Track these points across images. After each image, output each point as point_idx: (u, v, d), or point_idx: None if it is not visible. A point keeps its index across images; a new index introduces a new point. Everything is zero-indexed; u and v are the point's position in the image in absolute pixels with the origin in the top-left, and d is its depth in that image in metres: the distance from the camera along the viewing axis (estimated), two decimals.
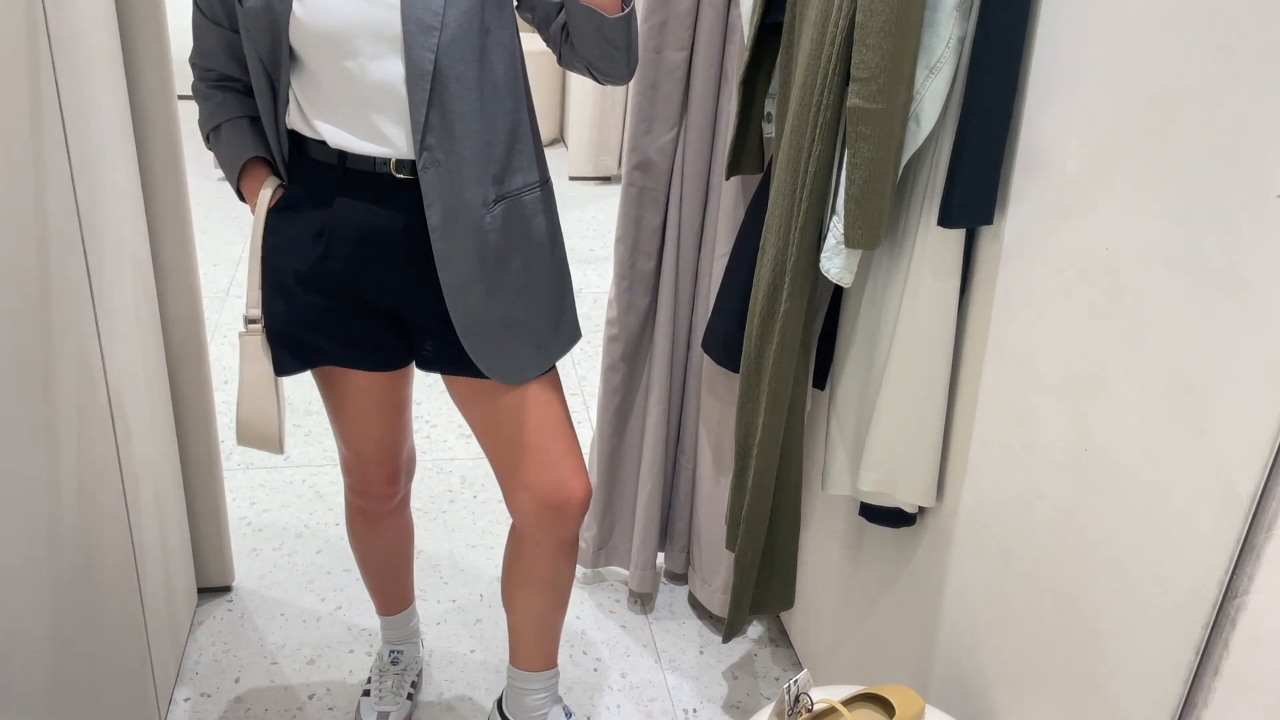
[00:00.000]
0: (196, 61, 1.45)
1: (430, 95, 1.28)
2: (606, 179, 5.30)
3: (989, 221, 1.25)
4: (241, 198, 1.47)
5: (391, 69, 1.29)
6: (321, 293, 1.42)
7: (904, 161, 1.27)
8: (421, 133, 1.30)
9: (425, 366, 1.51)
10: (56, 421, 1.37)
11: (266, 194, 1.40)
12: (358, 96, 1.30)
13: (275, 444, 1.48)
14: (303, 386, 2.86)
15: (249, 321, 1.44)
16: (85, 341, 1.47)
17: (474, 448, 2.79)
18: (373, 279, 1.40)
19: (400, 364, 1.53)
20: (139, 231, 1.75)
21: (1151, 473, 1.00)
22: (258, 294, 1.43)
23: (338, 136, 1.33)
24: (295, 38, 1.29)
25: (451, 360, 1.46)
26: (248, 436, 1.49)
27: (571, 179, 5.26)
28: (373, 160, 1.34)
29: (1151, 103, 0.99)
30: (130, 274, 1.69)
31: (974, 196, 1.24)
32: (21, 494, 1.27)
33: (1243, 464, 0.87)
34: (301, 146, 1.38)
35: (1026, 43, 1.18)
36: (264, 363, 1.44)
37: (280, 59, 1.31)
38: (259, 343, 1.43)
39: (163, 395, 1.88)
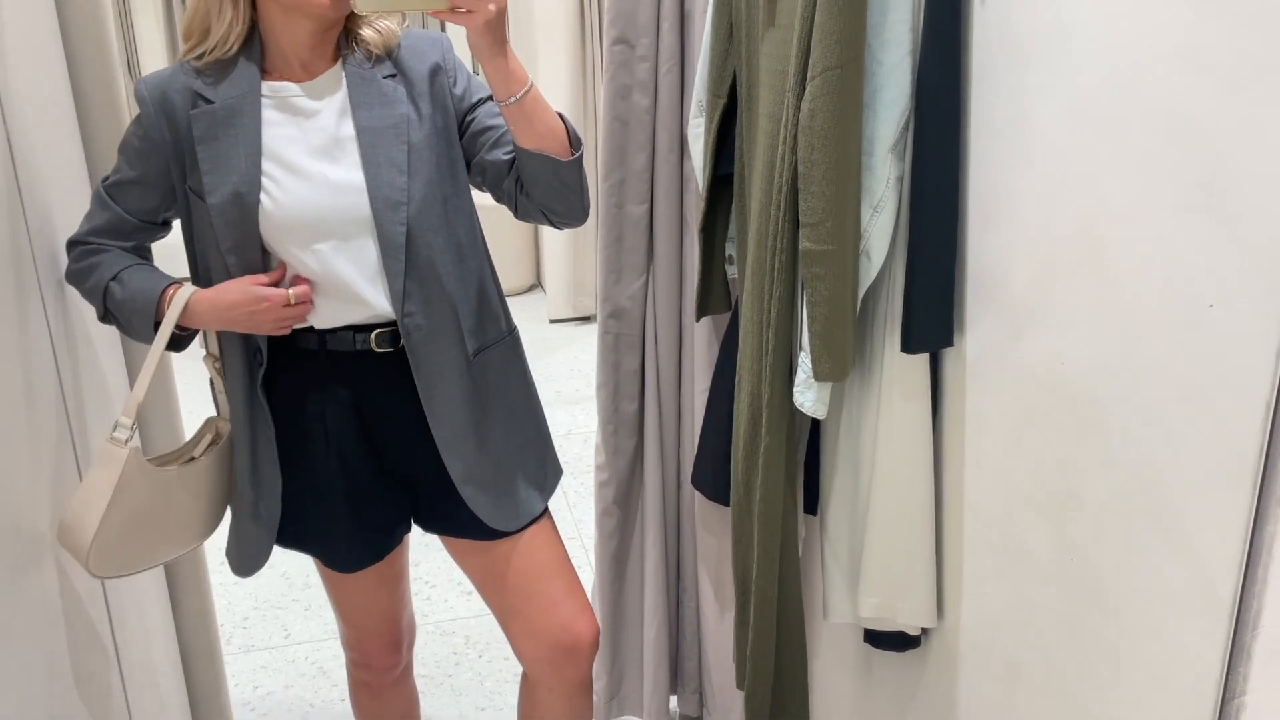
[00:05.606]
0: (82, 238, 1.39)
1: (405, 266, 1.34)
2: (586, 318, 5.40)
3: (949, 343, 1.30)
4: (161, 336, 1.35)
5: (364, 246, 1.34)
6: (338, 474, 1.44)
7: (861, 294, 1.32)
8: (401, 301, 1.35)
9: (427, 526, 1.53)
10: (51, 613, 1.37)
11: (185, 293, 1.34)
12: (332, 275, 1.35)
13: (84, 556, 1.33)
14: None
15: (117, 427, 1.34)
16: None
17: (476, 605, 2.76)
18: (374, 441, 1.44)
19: (401, 537, 1.55)
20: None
21: (1135, 579, 1.01)
22: (134, 403, 1.35)
23: (318, 317, 1.38)
24: (264, 228, 1.33)
25: (451, 519, 1.48)
26: (63, 537, 1.36)
27: (552, 321, 5.35)
28: (353, 339, 1.38)
29: (1083, 224, 1.04)
30: None
31: (931, 321, 1.28)
32: (16, 693, 1.26)
33: (1219, 565, 0.89)
34: (281, 341, 1.40)
35: (961, 174, 1.25)
36: (111, 477, 1.32)
37: (252, 253, 1.34)
38: (119, 455, 1.33)
39: (159, 585, 1.88)
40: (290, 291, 1.32)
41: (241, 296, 1.32)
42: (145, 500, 1.37)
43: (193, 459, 1.44)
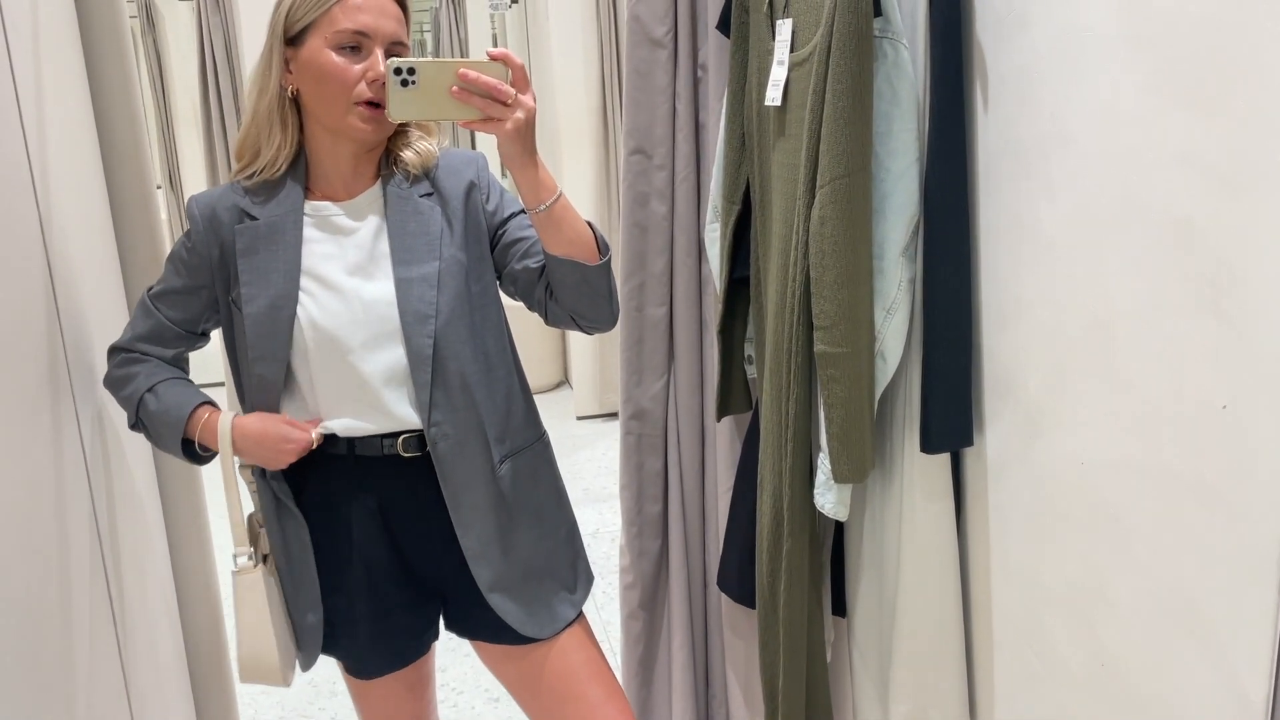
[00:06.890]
0: (124, 345, 1.45)
1: (433, 376, 1.37)
2: (614, 415, 5.41)
3: (969, 443, 1.30)
4: (188, 453, 1.42)
5: (393, 357, 1.37)
6: (362, 579, 1.45)
7: (878, 395, 1.32)
8: (428, 410, 1.37)
9: (459, 631, 1.52)
10: None
11: (229, 417, 1.40)
12: (362, 386, 1.38)
13: (277, 677, 1.45)
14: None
15: (238, 558, 1.43)
16: (106, 663, 1.49)
17: (503, 712, 2.72)
18: (401, 547, 1.45)
19: (429, 644, 1.55)
20: (159, 536, 1.80)
21: (1166, 685, 0.99)
22: (242, 530, 1.44)
23: (346, 426, 1.40)
24: (297, 341, 1.37)
25: (483, 625, 1.47)
26: (250, 674, 1.45)
27: (579, 418, 5.37)
28: (380, 444, 1.40)
29: (1093, 325, 1.05)
30: (150, 584, 1.73)
31: (950, 420, 1.28)
32: None
33: (1249, 670, 0.87)
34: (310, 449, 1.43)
35: (972, 275, 1.26)
36: (261, 601, 1.42)
37: (278, 365, 1.37)
38: (253, 580, 1.42)
39: (184, 692, 1.87)
40: (313, 435, 1.39)
41: (266, 434, 1.38)
42: (280, 604, 1.49)
43: (266, 555, 1.50)
